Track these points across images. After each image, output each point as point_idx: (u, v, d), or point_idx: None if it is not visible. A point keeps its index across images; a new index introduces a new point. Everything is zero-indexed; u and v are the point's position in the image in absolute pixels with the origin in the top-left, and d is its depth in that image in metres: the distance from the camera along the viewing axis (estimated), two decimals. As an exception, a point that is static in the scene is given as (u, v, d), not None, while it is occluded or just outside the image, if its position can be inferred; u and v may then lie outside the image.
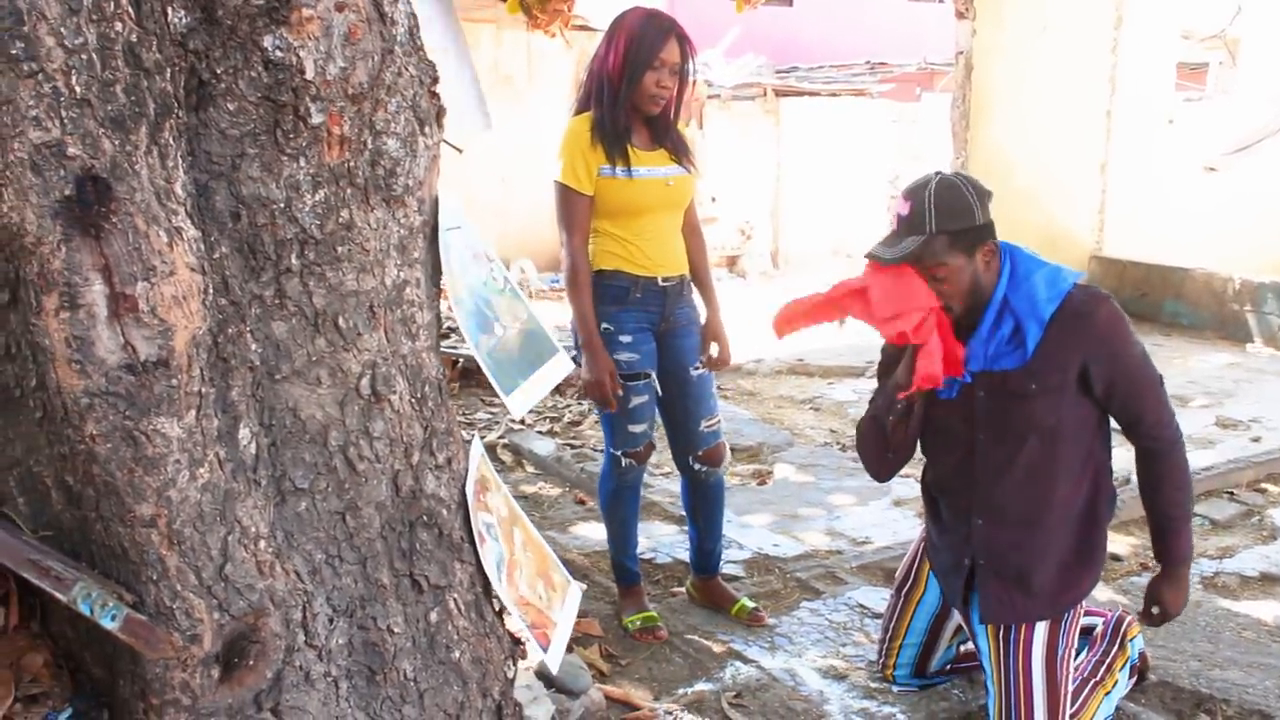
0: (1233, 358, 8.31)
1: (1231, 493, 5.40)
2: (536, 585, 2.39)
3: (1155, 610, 2.98)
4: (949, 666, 3.37)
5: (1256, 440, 6.04)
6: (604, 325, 3.50)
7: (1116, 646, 3.24)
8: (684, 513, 3.93)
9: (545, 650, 2.31)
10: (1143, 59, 9.95)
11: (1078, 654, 3.13)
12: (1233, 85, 11.14)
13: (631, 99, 3.40)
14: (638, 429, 3.59)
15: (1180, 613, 2.96)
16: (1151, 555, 3.09)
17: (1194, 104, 11.21)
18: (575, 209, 3.44)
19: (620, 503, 3.75)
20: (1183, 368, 7.84)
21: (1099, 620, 3.31)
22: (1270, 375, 7.74)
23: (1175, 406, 2.92)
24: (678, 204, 3.57)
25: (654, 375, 3.57)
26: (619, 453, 3.62)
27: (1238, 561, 4.62)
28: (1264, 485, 5.57)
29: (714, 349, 3.70)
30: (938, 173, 2.79)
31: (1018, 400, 2.82)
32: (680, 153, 3.54)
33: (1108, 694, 3.10)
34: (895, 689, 3.38)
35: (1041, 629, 2.93)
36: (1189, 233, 10.21)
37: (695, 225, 3.70)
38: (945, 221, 2.68)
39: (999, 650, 2.97)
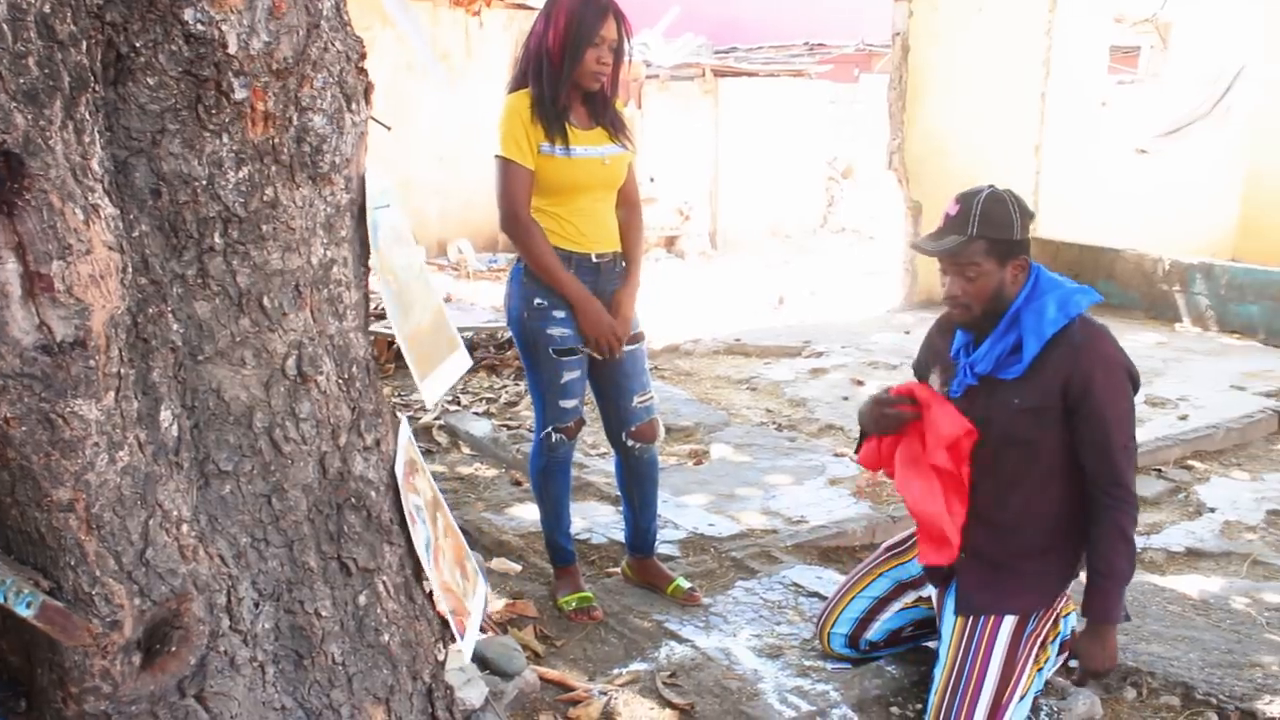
0: (1162, 337, 8.45)
1: (1159, 470, 5.50)
2: (455, 572, 2.37)
3: (1075, 665, 3.07)
4: (883, 641, 3.40)
5: (1184, 418, 6.15)
6: (537, 300, 3.49)
7: (1049, 625, 3.28)
8: (619, 492, 3.93)
9: (462, 638, 2.29)
10: (1076, 42, 10.05)
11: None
12: (1164, 69, 11.28)
13: (573, 76, 3.39)
14: (568, 404, 3.58)
15: (1103, 672, 3.02)
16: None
17: (1126, 87, 11.34)
18: (521, 183, 3.43)
19: (551, 480, 3.74)
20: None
21: None
22: (1198, 355, 7.88)
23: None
24: (613, 182, 3.57)
25: (585, 351, 3.55)
26: (549, 428, 3.61)
27: (1164, 537, 4.71)
28: (1190, 462, 5.68)
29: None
30: (991, 186, 2.98)
31: (1008, 411, 2.98)
32: (618, 131, 3.54)
33: (1040, 670, 3.14)
34: (829, 666, 3.40)
35: (1009, 623, 3.02)
36: (1121, 214, 10.36)
37: (633, 200, 3.69)
38: (986, 228, 2.89)
39: (963, 635, 3.04)
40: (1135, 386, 2.99)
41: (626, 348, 3.61)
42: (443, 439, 5.77)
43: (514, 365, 7.21)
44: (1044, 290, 2.97)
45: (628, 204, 3.67)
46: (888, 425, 3.13)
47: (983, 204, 2.91)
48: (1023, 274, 2.98)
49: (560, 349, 3.51)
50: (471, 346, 7.59)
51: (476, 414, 6.14)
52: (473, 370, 7.17)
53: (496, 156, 3.46)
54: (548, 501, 3.77)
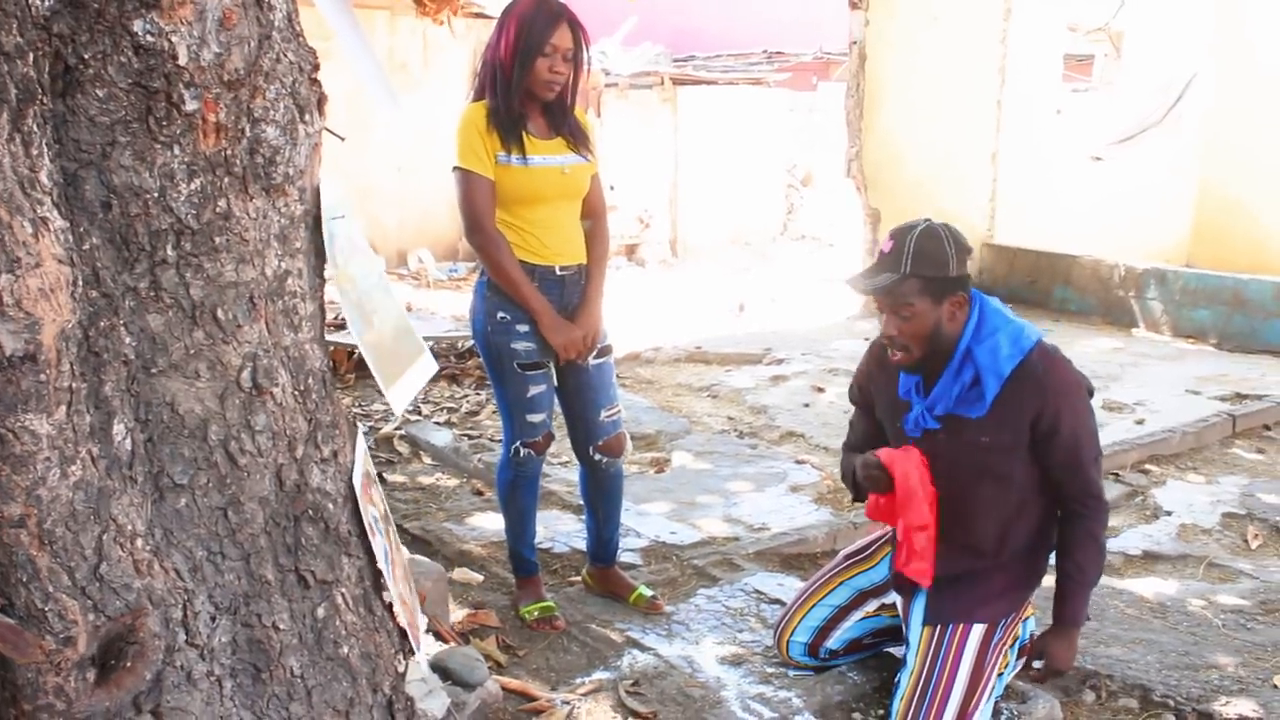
0: (1118, 342, 8.52)
1: (1117, 474, 5.54)
2: (406, 586, 2.37)
3: (1039, 664, 3.11)
4: (843, 649, 3.41)
5: (1140, 423, 6.20)
6: (500, 314, 3.47)
7: (1013, 629, 3.31)
8: (582, 502, 3.92)
9: (417, 649, 2.29)
10: (1031, 50, 10.14)
11: None
12: (1117, 77, 11.40)
13: (525, 85, 3.36)
14: (536, 418, 3.57)
15: (1066, 669, 3.07)
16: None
17: (1080, 95, 11.45)
18: (481, 193, 3.39)
19: (518, 493, 3.72)
20: (1071, 352, 7.94)
21: None
22: (1154, 359, 7.96)
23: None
24: (574, 193, 3.54)
25: (551, 365, 3.54)
26: (517, 443, 3.59)
27: (1122, 541, 4.75)
28: (1147, 466, 5.73)
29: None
30: (927, 220, 2.93)
31: (974, 448, 2.96)
32: (578, 141, 3.51)
33: (1000, 675, 3.16)
34: (791, 673, 3.40)
35: (978, 631, 3.03)
36: (1077, 221, 10.45)
37: (598, 211, 3.66)
38: (919, 266, 2.84)
39: (931, 641, 3.05)
40: (1091, 395, 3.03)
41: (594, 360, 3.60)
42: (404, 449, 5.75)
43: (475, 375, 7.19)
44: (994, 327, 2.92)
45: (593, 214, 3.64)
46: (878, 485, 3.09)
47: (916, 240, 2.85)
48: (962, 311, 2.92)
49: (525, 363, 3.48)
50: (432, 355, 7.56)
51: (438, 424, 6.12)
52: (434, 380, 7.15)
53: (455, 169, 3.43)
54: (513, 514, 3.76)
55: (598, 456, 3.70)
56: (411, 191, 12.67)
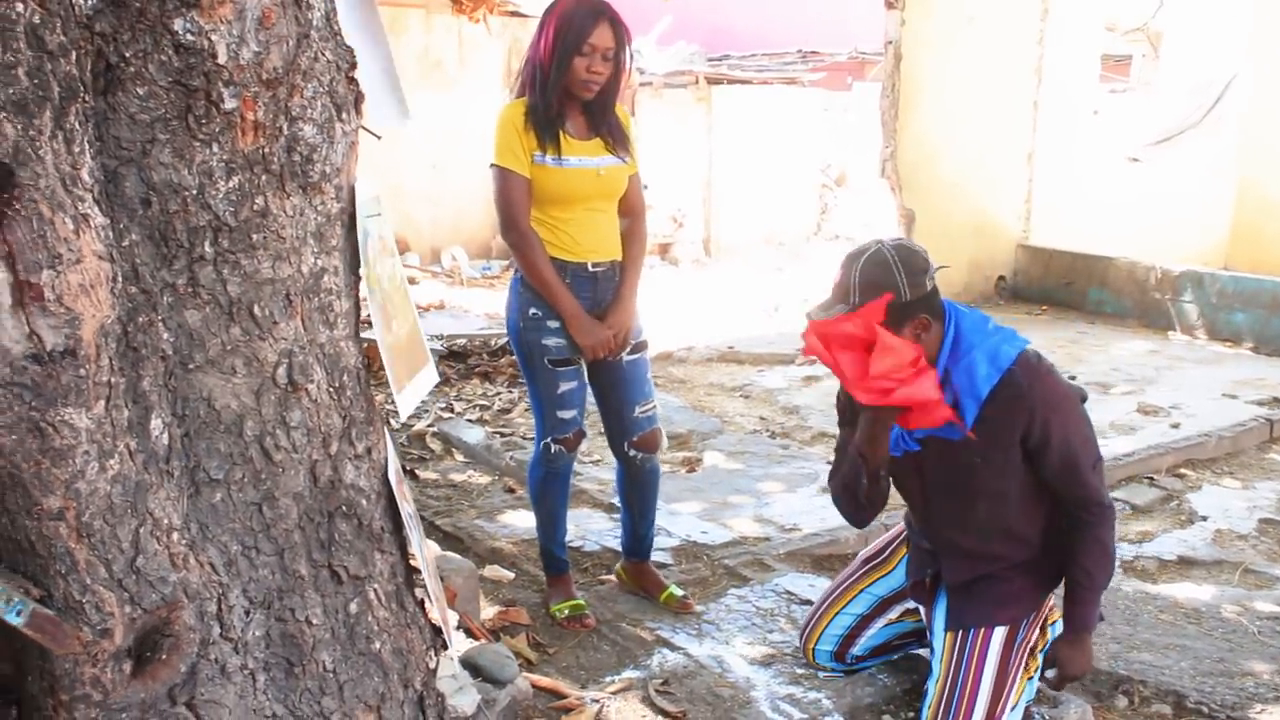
0: (1154, 345, 8.46)
1: (1151, 478, 5.50)
2: (435, 583, 2.38)
3: (1052, 673, 3.07)
4: (870, 654, 3.40)
5: (1176, 426, 6.15)
6: (532, 310, 3.49)
7: (1037, 631, 3.29)
8: (615, 499, 3.93)
9: (449, 645, 2.30)
10: (1068, 51, 10.07)
11: None
12: (1155, 77, 11.31)
13: (564, 85, 3.37)
14: (566, 415, 3.58)
15: (1080, 676, 3.04)
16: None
17: (1118, 95, 11.38)
18: (516, 191, 3.41)
19: (549, 491, 3.73)
20: (1106, 355, 7.97)
21: None
22: (1189, 363, 7.89)
23: (1098, 394, 3.00)
24: (610, 194, 3.54)
25: (582, 362, 3.55)
26: (548, 440, 3.60)
27: (1156, 545, 4.72)
28: (1182, 470, 5.68)
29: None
30: (878, 243, 2.83)
31: (966, 469, 2.93)
32: (616, 142, 3.51)
33: (1030, 679, 3.15)
34: (820, 674, 3.40)
35: (1000, 634, 3.02)
36: (1113, 222, 10.37)
37: (636, 211, 3.66)
38: (867, 296, 2.74)
39: (954, 647, 3.04)
40: (1084, 400, 2.99)
41: (628, 356, 3.61)
42: (436, 446, 5.77)
43: (507, 372, 7.22)
44: (970, 345, 2.84)
45: (631, 213, 3.65)
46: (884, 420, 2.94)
47: (861, 270, 2.77)
48: (927, 333, 2.82)
49: (556, 359, 3.50)
50: (465, 353, 7.60)
51: (470, 421, 6.14)
52: (466, 377, 7.18)
53: (491, 165, 3.45)
54: (544, 511, 3.77)
55: (632, 452, 3.71)
56: (445, 189, 12.72)
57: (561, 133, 3.41)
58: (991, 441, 2.86)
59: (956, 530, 3.04)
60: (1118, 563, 4.41)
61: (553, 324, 3.48)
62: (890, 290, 2.74)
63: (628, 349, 3.60)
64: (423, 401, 6.48)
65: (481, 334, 7.80)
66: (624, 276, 3.60)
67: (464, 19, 11.76)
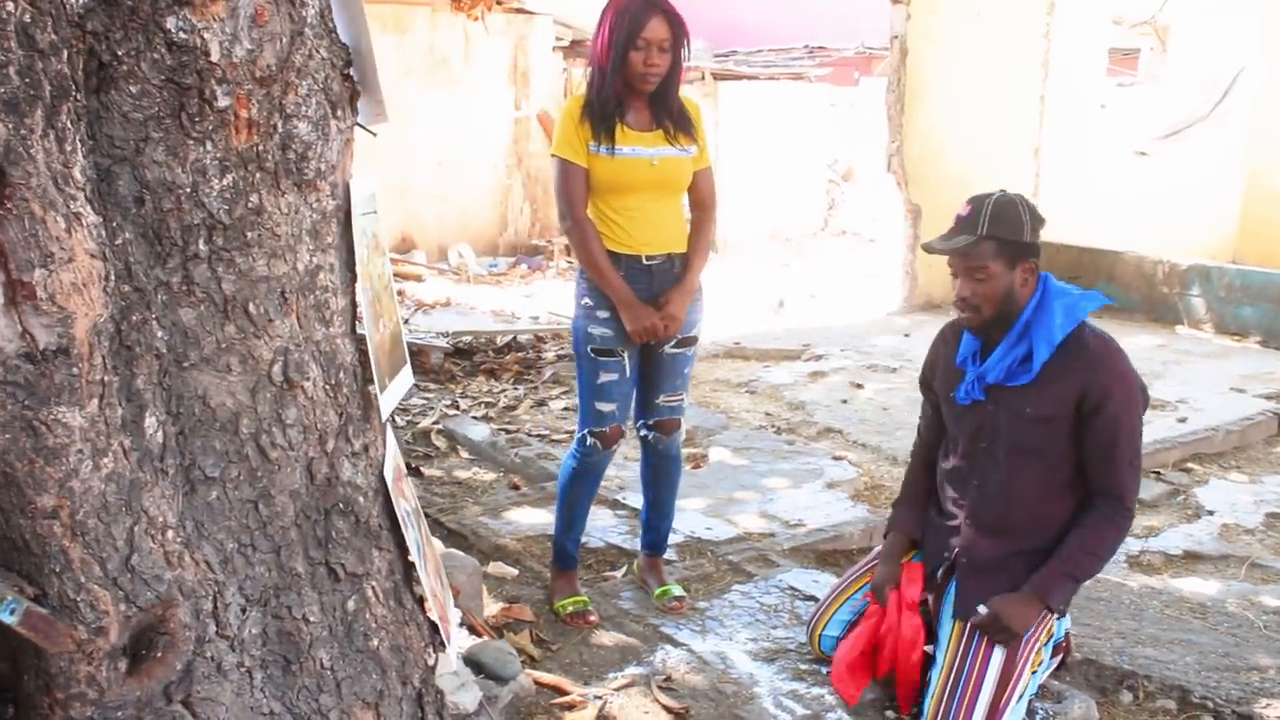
0: (1162, 339, 8.43)
1: (1158, 472, 5.49)
2: (436, 580, 2.37)
3: (984, 611, 3.03)
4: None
5: (1183, 420, 6.14)
6: (585, 300, 3.56)
7: (1045, 629, 3.28)
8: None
9: (448, 644, 2.30)
10: (1075, 44, 10.04)
11: None
12: (1163, 71, 11.26)
13: (623, 78, 3.42)
14: (606, 408, 3.59)
15: (1008, 630, 2.99)
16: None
17: (1125, 89, 11.33)
18: (573, 180, 3.48)
19: (578, 486, 3.75)
20: (1113, 349, 7.92)
21: None
22: (1197, 357, 7.87)
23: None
24: (666, 184, 3.56)
25: (626, 354, 3.57)
26: (586, 431, 3.63)
27: (1162, 540, 4.70)
28: (1189, 465, 5.67)
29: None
30: (1002, 190, 3.04)
31: (1017, 420, 3.01)
32: (679, 133, 3.54)
33: (1034, 672, 3.14)
34: (824, 670, 3.39)
35: None
36: (1121, 217, 10.34)
37: (703, 204, 3.70)
38: (996, 228, 2.93)
39: (961, 638, 3.05)
40: (1145, 404, 3.04)
41: (672, 349, 3.64)
42: (441, 443, 5.77)
43: (513, 369, 7.22)
44: (1053, 298, 3.00)
45: (696, 207, 3.70)
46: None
47: (993, 205, 2.95)
48: (1032, 278, 3.01)
49: (599, 348, 3.54)
50: (471, 350, 7.60)
51: (475, 418, 6.14)
52: (471, 374, 7.18)
53: (551, 156, 3.56)
54: (568, 505, 3.78)
55: (646, 433, 3.75)
56: (452, 187, 12.72)
57: (620, 124, 3.46)
58: (1047, 393, 2.96)
59: (994, 497, 3.08)
60: (1124, 558, 4.42)
61: (602, 314, 3.53)
62: (1017, 227, 2.94)
63: (673, 341, 3.62)
64: (428, 398, 6.50)
65: (488, 331, 7.80)
66: (684, 269, 3.63)
67: (466, 15, 11.79)
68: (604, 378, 3.57)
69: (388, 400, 2.30)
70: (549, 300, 10.21)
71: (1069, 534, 3.01)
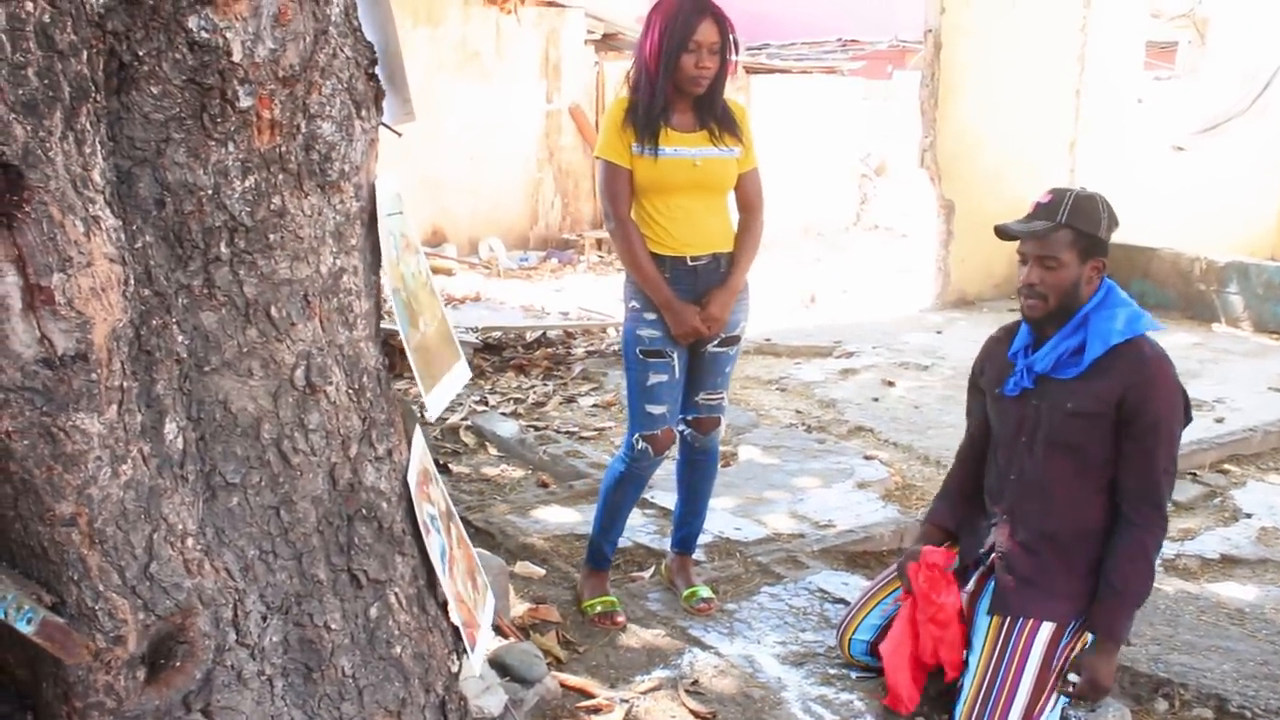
0: (1198, 338, 8.32)
1: (1194, 474, 5.40)
2: (467, 584, 2.35)
3: (1075, 678, 3.01)
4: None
5: (1220, 421, 6.05)
6: (632, 303, 3.55)
7: (1079, 642, 3.24)
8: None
9: (472, 650, 2.27)
10: (1112, 37, 9.92)
11: None
12: (1201, 64, 11.12)
13: (674, 82, 3.41)
14: (655, 410, 3.57)
15: (1100, 691, 2.99)
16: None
17: (1163, 83, 11.20)
18: (617, 181, 3.48)
19: (622, 489, 3.74)
20: (1150, 347, 7.83)
21: None
22: (1235, 355, 7.76)
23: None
24: (709, 185, 3.55)
25: (675, 356, 3.55)
26: (636, 434, 3.61)
27: (1199, 544, 4.63)
28: (1226, 466, 5.58)
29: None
30: (1083, 187, 3.10)
31: (1059, 414, 3.01)
32: (724, 133, 3.52)
33: (1064, 694, 3.09)
34: (853, 675, 3.36)
35: (1047, 628, 3.00)
36: (1157, 212, 10.20)
37: (750, 205, 3.70)
38: (1074, 218, 2.97)
39: (999, 638, 3.02)
40: (1188, 418, 3.03)
41: (714, 348, 3.62)
42: (469, 440, 5.75)
43: (542, 365, 7.20)
44: (1115, 303, 3.01)
45: (743, 208, 3.69)
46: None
47: (1075, 197, 2.98)
48: (1098, 277, 3.02)
49: (647, 350, 3.53)
50: (500, 346, 7.59)
51: (504, 415, 6.12)
52: (501, 370, 7.16)
53: (595, 157, 3.57)
54: (611, 506, 3.77)
55: (684, 429, 3.73)
56: (483, 180, 12.71)
57: (664, 125, 3.45)
58: (1092, 390, 2.97)
59: (1031, 492, 3.08)
60: (1159, 562, 4.35)
61: (649, 315, 3.52)
62: (1095, 221, 2.98)
63: (716, 340, 3.60)
64: (456, 395, 6.48)
65: (517, 326, 7.78)
66: (729, 271, 3.61)
67: (503, 9, 11.77)
68: (654, 379, 3.55)
69: (437, 399, 2.28)
70: (579, 295, 10.18)
71: (1113, 563, 2.97)
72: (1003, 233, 3.08)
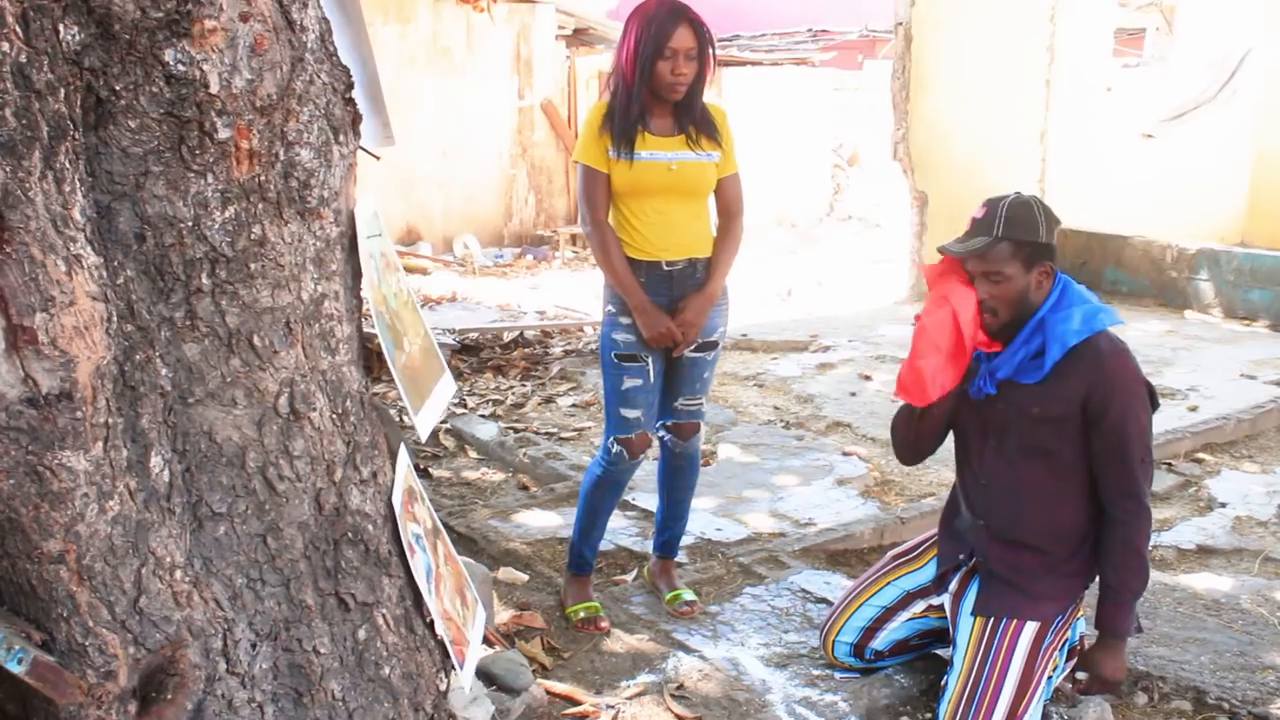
0: (1170, 325, 8.39)
1: (1169, 464, 5.44)
2: (455, 600, 2.35)
3: (1084, 676, 3.06)
4: (889, 651, 3.38)
5: (1194, 409, 6.08)
6: (608, 307, 3.56)
7: (1064, 631, 3.26)
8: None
9: (461, 667, 2.28)
10: (1080, 26, 9.96)
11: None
12: (1169, 52, 11.19)
13: (650, 88, 3.41)
14: (630, 414, 3.58)
15: (1113, 685, 3.03)
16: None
17: (1131, 70, 11.26)
18: (594, 186, 3.49)
19: (600, 493, 3.74)
20: (1122, 335, 7.88)
21: None
22: (1207, 342, 7.82)
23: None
24: (685, 189, 3.55)
25: (650, 360, 3.56)
26: (612, 439, 3.62)
27: (1174, 534, 4.66)
28: (1201, 455, 5.63)
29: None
30: (1017, 192, 3.04)
31: (1026, 420, 3.00)
32: (702, 138, 3.53)
33: (1049, 677, 3.13)
34: (837, 675, 3.38)
35: (1030, 628, 3.01)
36: (1127, 200, 10.28)
37: (727, 210, 3.68)
38: (1011, 230, 2.92)
39: (982, 639, 3.03)
40: (1154, 405, 3.02)
41: (692, 353, 3.62)
42: (449, 443, 5.75)
43: (520, 366, 7.20)
44: (1070, 302, 2.99)
45: (723, 213, 3.69)
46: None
47: (1008, 208, 2.94)
48: (1048, 281, 2.99)
49: (622, 354, 3.54)
50: (477, 347, 7.58)
51: (483, 416, 6.12)
52: (478, 371, 7.16)
53: (574, 161, 3.60)
54: (589, 511, 3.77)
55: (664, 434, 3.74)
56: (456, 175, 12.69)
57: (641, 130, 3.45)
58: (1055, 393, 2.95)
59: (1004, 497, 3.07)
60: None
61: (624, 320, 3.53)
62: (1032, 228, 2.94)
63: (693, 345, 3.60)
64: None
65: (494, 327, 7.78)
66: (707, 276, 3.61)
67: (471, 5, 11.73)
68: (628, 384, 3.56)
69: (426, 419, 2.28)
70: (555, 292, 10.18)
71: (1105, 564, 2.98)
72: (945, 253, 3.04)
